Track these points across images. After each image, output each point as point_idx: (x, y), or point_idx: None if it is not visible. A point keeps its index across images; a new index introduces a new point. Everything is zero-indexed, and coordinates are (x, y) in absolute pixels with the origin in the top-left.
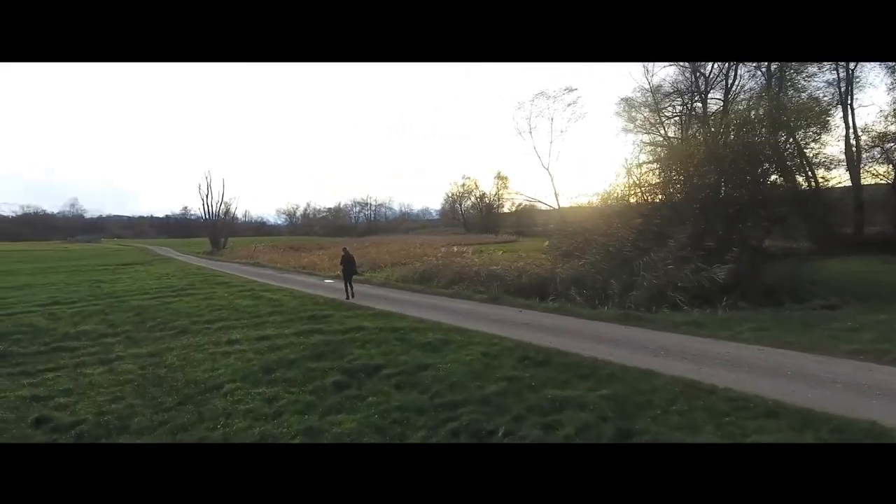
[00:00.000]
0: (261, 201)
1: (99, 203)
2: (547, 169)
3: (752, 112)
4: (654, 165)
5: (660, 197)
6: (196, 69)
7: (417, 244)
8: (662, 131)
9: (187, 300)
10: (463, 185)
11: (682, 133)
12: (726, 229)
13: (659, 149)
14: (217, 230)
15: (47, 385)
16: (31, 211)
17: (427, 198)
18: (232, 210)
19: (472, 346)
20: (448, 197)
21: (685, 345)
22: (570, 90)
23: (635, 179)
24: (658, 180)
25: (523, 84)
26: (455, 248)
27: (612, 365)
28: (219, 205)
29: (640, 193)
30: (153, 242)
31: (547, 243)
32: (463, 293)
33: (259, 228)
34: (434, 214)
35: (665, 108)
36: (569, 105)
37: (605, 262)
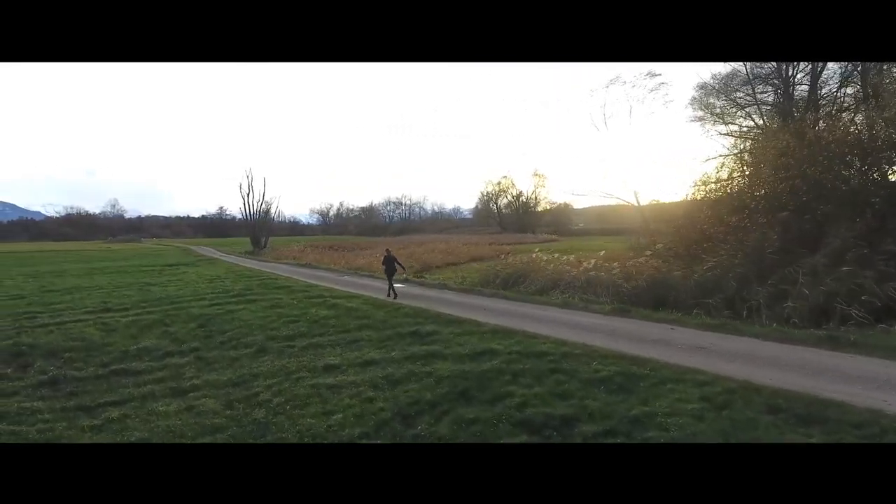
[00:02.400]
0: (288, 200)
1: (137, 203)
2: (625, 163)
3: None
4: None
5: (801, 187)
6: (220, 72)
7: (461, 244)
8: (760, 119)
9: (252, 308)
10: (499, 183)
11: (776, 122)
12: None
13: (755, 136)
14: (258, 229)
15: (113, 430)
16: (74, 212)
17: (454, 197)
18: (273, 210)
19: (671, 384)
20: (483, 196)
21: None
22: (653, 75)
23: (747, 170)
24: (788, 167)
25: (523, 84)
26: (509, 248)
27: None
28: (260, 204)
29: (764, 183)
30: (192, 242)
31: (659, 246)
32: (573, 303)
33: (293, 228)
34: (465, 214)
35: (755, 94)
36: (651, 91)
37: (741, 265)
